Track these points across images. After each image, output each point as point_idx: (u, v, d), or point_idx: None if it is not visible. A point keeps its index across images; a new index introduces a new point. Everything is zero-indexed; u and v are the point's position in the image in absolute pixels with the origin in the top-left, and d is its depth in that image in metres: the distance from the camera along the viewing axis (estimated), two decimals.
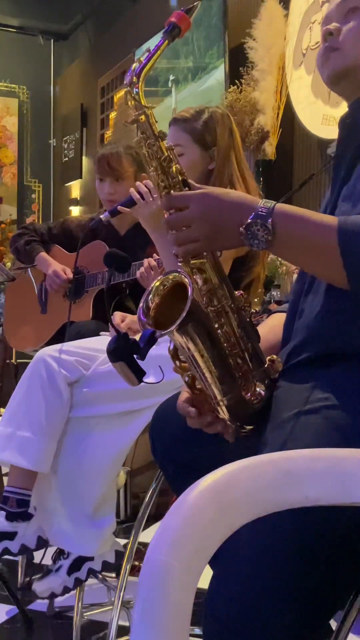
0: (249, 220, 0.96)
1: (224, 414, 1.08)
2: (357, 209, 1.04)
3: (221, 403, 1.07)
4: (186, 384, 1.10)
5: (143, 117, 1.08)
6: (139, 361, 1.10)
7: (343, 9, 1.15)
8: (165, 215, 1.05)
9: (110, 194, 2.37)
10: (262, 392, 1.08)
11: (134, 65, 1.09)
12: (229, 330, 1.06)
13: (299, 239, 0.98)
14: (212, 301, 1.06)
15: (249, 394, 1.08)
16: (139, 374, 1.16)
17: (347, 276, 0.95)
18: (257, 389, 1.08)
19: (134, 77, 1.08)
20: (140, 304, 1.06)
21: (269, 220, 0.96)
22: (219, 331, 1.06)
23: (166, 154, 1.07)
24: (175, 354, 1.08)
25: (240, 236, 0.98)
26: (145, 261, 2.02)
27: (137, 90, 1.08)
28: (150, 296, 1.06)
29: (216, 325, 1.06)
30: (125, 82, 1.10)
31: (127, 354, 1.13)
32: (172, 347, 1.08)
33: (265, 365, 1.09)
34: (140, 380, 1.19)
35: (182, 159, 1.87)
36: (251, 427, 1.10)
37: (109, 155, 2.36)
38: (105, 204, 2.48)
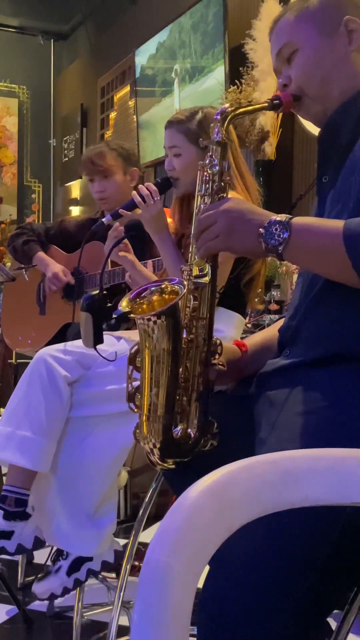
0: (270, 220, 1.02)
1: (154, 433, 1.09)
2: (348, 208, 1.05)
3: (158, 419, 1.08)
4: (127, 393, 1.11)
5: (222, 145, 1.12)
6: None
7: (282, 59, 1.22)
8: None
9: (101, 192, 2.40)
10: (192, 435, 1.11)
11: (230, 107, 1.14)
12: (190, 366, 1.10)
13: (312, 241, 1.01)
14: (190, 328, 1.10)
15: (179, 431, 1.10)
16: (98, 338, 1.18)
17: (358, 274, 0.97)
18: (189, 431, 1.11)
19: (226, 113, 1.13)
20: (135, 290, 1.08)
21: (287, 223, 1.01)
22: (182, 361, 1.09)
23: (222, 184, 1.12)
24: (134, 357, 1.10)
25: (259, 237, 1.01)
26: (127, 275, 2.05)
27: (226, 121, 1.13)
28: (148, 291, 1.08)
29: (182, 352, 1.09)
30: (218, 111, 1.14)
31: (98, 312, 1.16)
32: (134, 350, 1.10)
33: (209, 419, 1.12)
34: (95, 344, 1.20)
35: (179, 159, 1.89)
36: (172, 461, 1.12)
37: (91, 155, 2.40)
38: (98, 204, 2.49)
